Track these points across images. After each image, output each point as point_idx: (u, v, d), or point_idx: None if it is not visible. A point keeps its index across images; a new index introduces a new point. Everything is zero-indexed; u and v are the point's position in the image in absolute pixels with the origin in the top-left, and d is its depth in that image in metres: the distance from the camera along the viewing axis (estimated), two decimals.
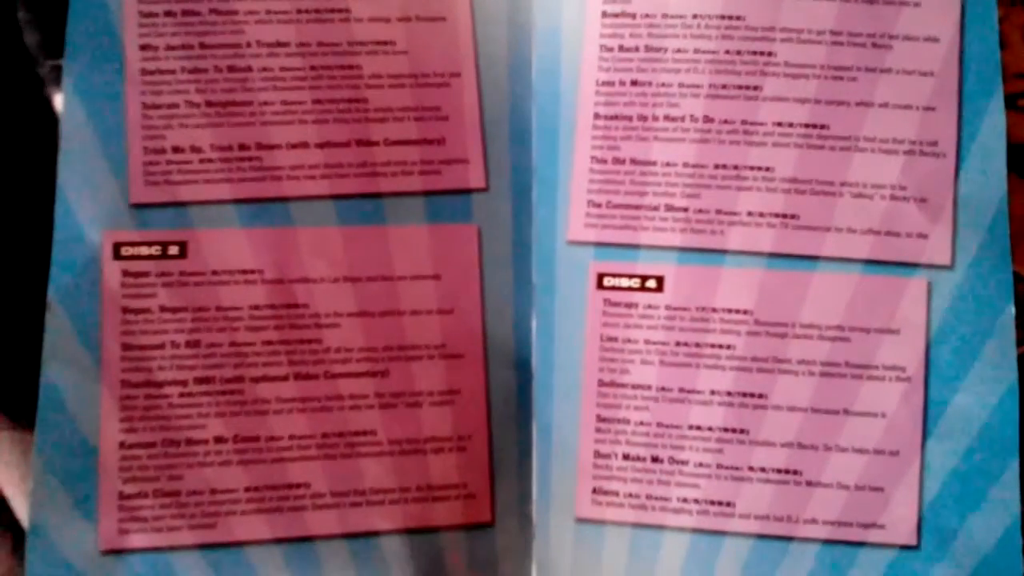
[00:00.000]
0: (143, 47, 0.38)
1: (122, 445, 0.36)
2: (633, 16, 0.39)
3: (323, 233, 0.37)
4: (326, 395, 0.37)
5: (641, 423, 0.37)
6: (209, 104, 0.38)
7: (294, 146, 0.38)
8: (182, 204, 0.37)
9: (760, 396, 0.37)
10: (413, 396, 0.37)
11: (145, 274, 0.37)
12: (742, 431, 0.37)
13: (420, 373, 0.37)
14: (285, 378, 0.37)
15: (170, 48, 0.38)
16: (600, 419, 0.37)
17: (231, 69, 0.38)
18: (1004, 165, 0.37)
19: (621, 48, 0.39)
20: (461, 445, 0.37)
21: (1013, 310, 0.36)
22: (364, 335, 0.37)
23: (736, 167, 0.38)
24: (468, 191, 0.38)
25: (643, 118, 0.38)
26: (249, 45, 0.38)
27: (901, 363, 0.37)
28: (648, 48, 0.39)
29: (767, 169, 0.38)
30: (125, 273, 0.37)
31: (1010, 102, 0.41)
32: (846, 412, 0.37)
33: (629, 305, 0.38)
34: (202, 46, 0.38)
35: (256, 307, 0.37)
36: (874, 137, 0.38)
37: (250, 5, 0.38)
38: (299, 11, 0.38)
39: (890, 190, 0.37)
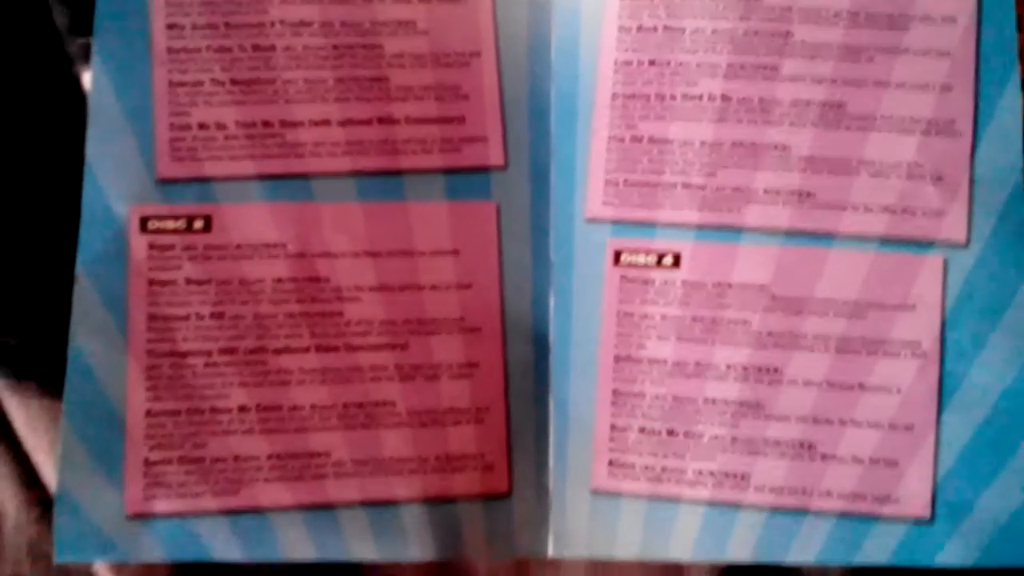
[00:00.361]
0: (170, 26, 0.38)
1: (148, 413, 0.36)
2: None
3: (345, 209, 0.37)
4: (347, 366, 0.37)
5: (657, 397, 0.37)
6: (234, 82, 0.38)
7: (316, 123, 0.38)
8: (207, 179, 0.37)
9: (775, 371, 0.37)
10: (432, 368, 0.37)
11: (171, 247, 0.37)
12: (757, 405, 0.37)
13: (439, 346, 0.37)
14: (307, 350, 0.37)
15: (196, 27, 0.38)
16: (616, 393, 0.37)
17: (255, 48, 0.38)
18: (1020, 144, 0.37)
19: (639, 28, 0.39)
20: (479, 417, 0.37)
21: None
22: (384, 309, 0.37)
23: (753, 145, 0.38)
24: (487, 169, 0.38)
25: (661, 97, 0.38)
26: (273, 24, 0.38)
27: (916, 339, 0.37)
28: (666, 28, 0.39)
29: (784, 148, 0.38)
30: (151, 246, 0.37)
31: None
32: (861, 387, 0.37)
33: (646, 281, 0.38)
34: (227, 25, 0.38)
35: (279, 280, 0.37)
36: (891, 116, 0.37)
37: None
38: None
39: (906, 168, 0.37)
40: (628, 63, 0.39)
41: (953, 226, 0.37)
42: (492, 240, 0.38)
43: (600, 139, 0.38)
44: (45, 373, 0.37)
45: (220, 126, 0.38)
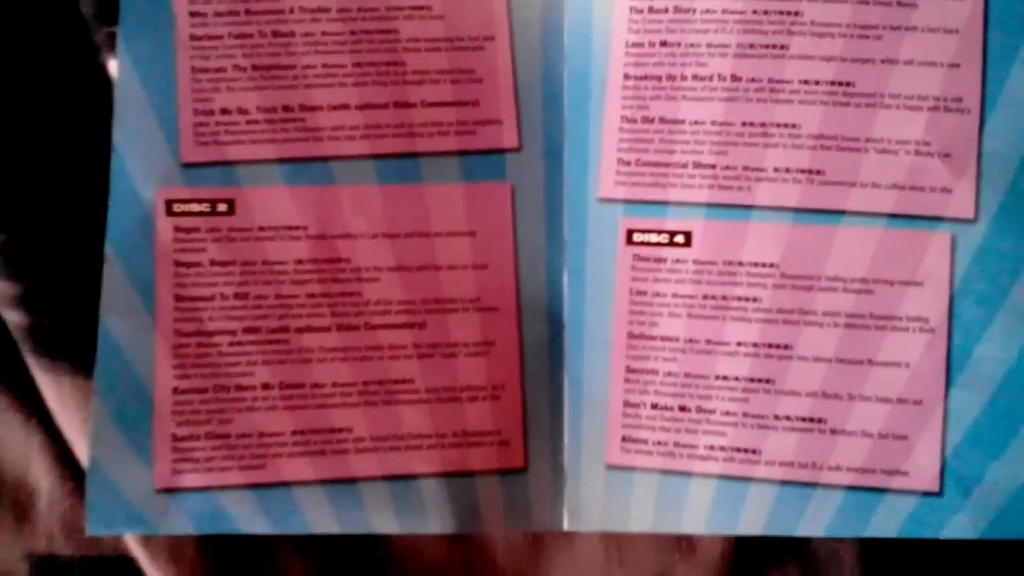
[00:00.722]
0: (192, 14, 0.38)
1: (175, 391, 0.37)
2: None
3: (363, 191, 0.38)
4: (367, 345, 0.37)
5: (669, 374, 0.38)
6: (255, 68, 0.38)
7: (335, 108, 0.38)
8: (230, 163, 0.38)
9: (786, 347, 0.37)
10: (449, 347, 0.38)
11: (196, 229, 0.38)
12: (768, 381, 0.37)
13: (456, 325, 0.38)
14: (328, 329, 0.37)
15: (218, 14, 0.39)
16: (629, 370, 0.38)
17: (275, 34, 0.38)
18: None
19: (650, 9, 0.39)
20: (495, 394, 0.38)
21: None
22: (402, 289, 0.38)
23: (763, 124, 0.38)
24: (502, 151, 0.38)
25: (672, 78, 0.38)
26: (292, 11, 0.39)
27: (925, 314, 0.37)
28: (677, 9, 0.39)
29: (793, 126, 0.38)
30: (177, 229, 0.38)
31: None
32: (870, 362, 0.37)
33: (658, 260, 0.38)
34: (248, 12, 0.39)
35: (300, 261, 0.38)
36: (899, 94, 0.37)
37: None
38: None
39: (915, 146, 0.37)
40: (639, 44, 0.39)
41: (961, 202, 0.37)
42: (507, 221, 0.38)
43: (612, 120, 0.39)
44: (77, 352, 0.38)
45: (242, 111, 0.38)
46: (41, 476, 0.38)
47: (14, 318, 0.38)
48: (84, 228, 0.38)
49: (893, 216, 0.37)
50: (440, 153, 0.38)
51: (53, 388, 0.38)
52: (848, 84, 0.37)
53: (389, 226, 0.38)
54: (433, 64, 0.38)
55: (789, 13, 0.38)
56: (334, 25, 0.38)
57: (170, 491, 0.37)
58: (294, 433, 0.37)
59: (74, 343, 0.38)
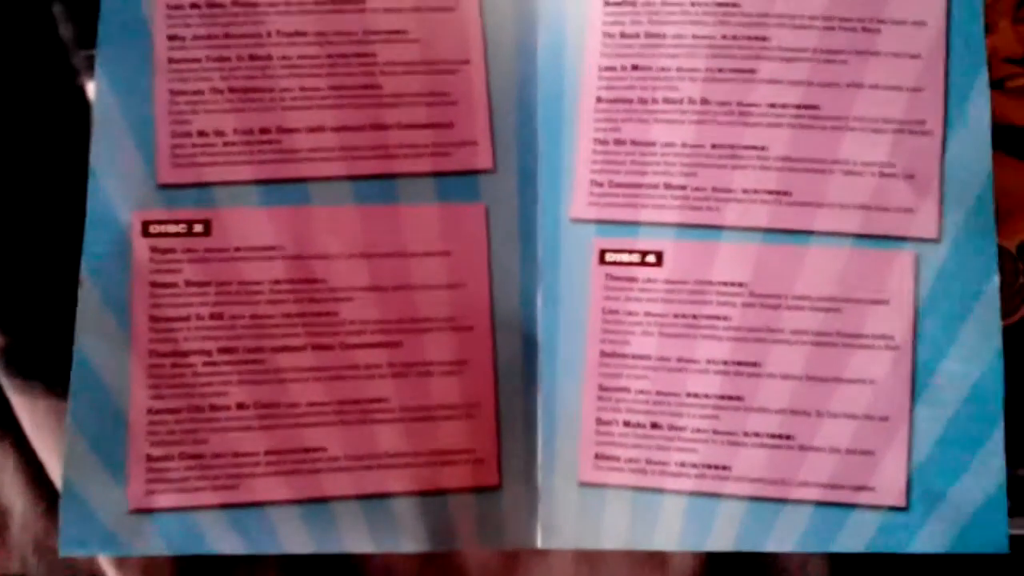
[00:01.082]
0: (171, 37, 0.39)
1: (150, 411, 0.37)
2: (634, 3, 0.39)
3: (339, 212, 0.38)
4: (342, 365, 0.37)
5: (641, 391, 0.38)
6: (232, 90, 0.38)
7: (312, 130, 0.38)
8: (207, 184, 0.38)
9: (755, 364, 0.37)
10: (424, 366, 0.38)
11: (172, 250, 0.37)
12: (738, 398, 0.37)
13: (431, 344, 0.38)
14: (303, 348, 0.37)
15: (196, 38, 0.39)
16: (602, 388, 0.38)
17: (252, 57, 0.38)
18: (989, 143, 0.37)
19: (622, 35, 0.39)
20: (470, 412, 0.38)
21: (998, 281, 0.36)
22: (378, 308, 0.38)
23: (732, 147, 0.38)
24: (476, 172, 0.39)
25: (643, 101, 0.39)
26: (270, 35, 0.39)
27: (890, 332, 0.37)
28: (648, 34, 0.39)
29: (761, 148, 0.38)
30: (153, 249, 0.37)
31: (998, 84, 0.41)
32: (837, 379, 0.37)
33: (630, 279, 0.38)
34: (226, 36, 0.39)
35: (276, 282, 0.37)
36: (864, 117, 0.38)
37: None
38: (317, 2, 0.39)
39: (879, 167, 0.38)
40: (611, 68, 0.39)
41: (924, 223, 0.37)
42: (482, 241, 0.38)
43: (585, 142, 0.39)
44: (51, 373, 0.38)
45: (219, 133, 0.38)
46: (15, 497, 0.38)
47: None
48: (59, 249, 0.38)
49: (859, 236, 0.37)
50: (416, 174, 0.38)
51: (27, 409, 0.38)
52: (814, 107, 0.38)
53: (365, 246, 0.38)
54: (409, 87, 0.39)
55: (757, 39, 0.38)
56: (311, 49, 0.39)
57: (144, 511, 0.36)
58: (268, 453, 0.37)
59: (48, 364, 0.38)
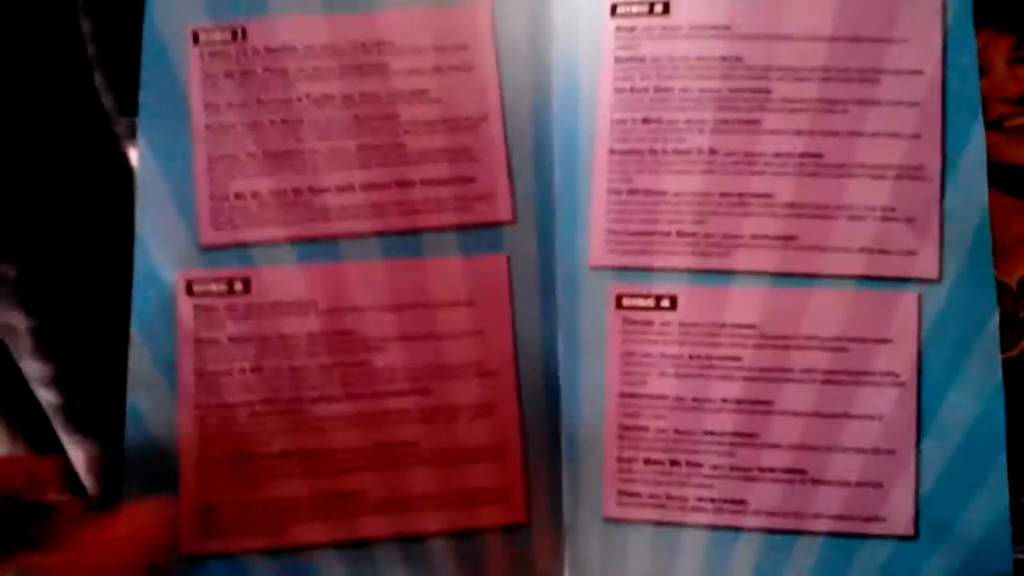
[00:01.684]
0: (207, 105, 0.40)
1: (199, 461, 0.38)
2: (643, 60, 0.41)
3: (369, 267, 0.40)
4: (375, 411, 0.39)
5: (660, 430, 0.39)
6: (265, 154, 0.40)
7: (341, 189, 0.40)
8: (245, 244, 0.40)
9: (767, 403, 0.39)
10: (452, 410, 0.39)
11: (215, 308, 0.39)
12: (752, 435, 0.39)
13: (458, 389, 0.39)
14: (339, 398, 0.39)
15: (230, 105, 0.40)
16: (622, 427, 0.39)
17: (284, 122, 0.40)
18: (985, 186, 0.38)
19: (633, 89, 0.41)
20: (497, 453, 0.39)
21: (997, 318, 0.38)
22: (407, 357, 0.39)
23: (740, 195, 0.39)
24: (497, 224, 0.40)
25: (654, 152, 0.40)
26: (299, 100, 0.40)
27: (895, 370, 0.38)
28: (657, 89, 0.40)
29: (768, 196, 0.39)
30: (197, 308, 0.39)
31: (995, 124, 0.42)
32: (846, 415, 0.38)
33: (646, 323, 0.40)
34: (258, 102, 0.40)
35: (311, 335, 0.39)
36: (865, 164, 0.39)
37: (299, 64, 0.40)
38: (343, 67, 0.40)
39: (881, 212, 0.39)
40: (623, 121, 0.40)
41: (926, 264, 0.38)
42: (504, 290, 0.40)
43: (600, 193, 0.40)
44: (106, 429, 0.39)
45: (255, 195, 0.40)
46: None
47: (48, 397, 0.39)
48: (109, 310, 0.39)
49: (863, 278, 0.39)
50: (439, 228, 0.40)
51: (84, 462, 0.39)
52: (818, 155, 0.39)
53: (393, 298, 0.39)
54: (431, 144, 0.40)
55: (761, 91, 0.40)
56: (338, 111, 0.40)
57: (195, 556, 0.38)
58: (311, 498, 0.38)
59: (103, 419, 0.39)
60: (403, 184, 0.40)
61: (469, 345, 0.39)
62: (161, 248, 0.39)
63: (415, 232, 0.40)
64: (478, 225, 0.40)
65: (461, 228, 0.40)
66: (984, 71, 0.40)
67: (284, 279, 0.39)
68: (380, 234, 0.39)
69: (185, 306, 0.39)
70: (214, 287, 0.39)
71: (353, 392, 0.39)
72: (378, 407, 0.39)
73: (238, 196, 0.39)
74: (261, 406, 0.38)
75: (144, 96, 0.40)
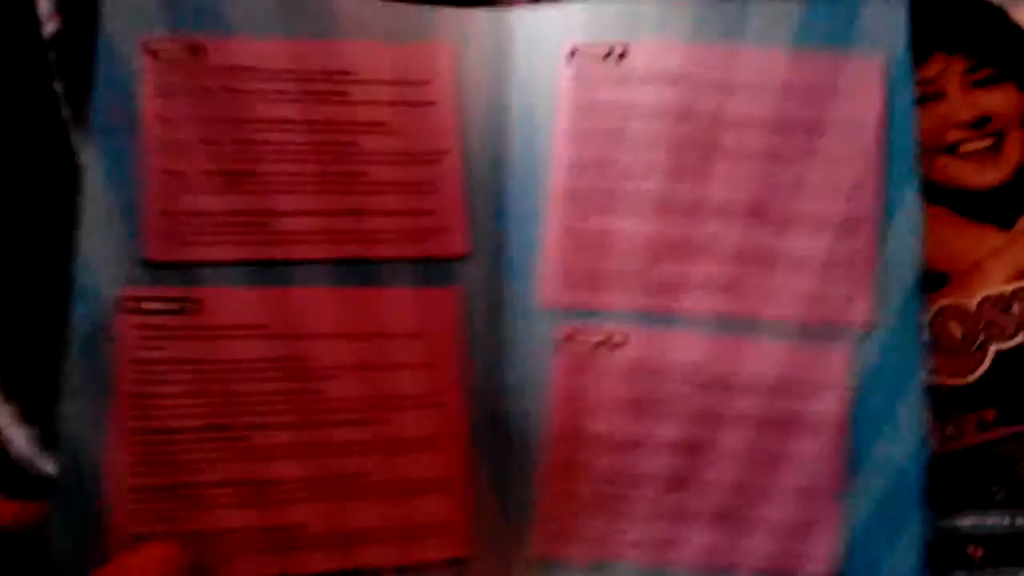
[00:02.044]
0: (161, 119, 0.39)
1: (133, 489, 0.37)
2: (599, 103, 0.41)
3: (321, 293, 0.39)
4: (322, 441, 0.38)
5: (599, 469, 0.40)
6: (220, 173, 0.39)
7: (296, 213, 0.39)
8: (193, 263, 0.39)
9: (705, 445, 0.40)
10: (400, 443, 0.39)
11: (158, 327, 0.38)
12: (687, 476, 0.39)
13: (406, 421, 0.39)
14: (285, 426, 0.38)
15: (185, 121, 0.39)
16: (563, 464, 0.40)
17: (241, 142, 0.39)
18: (919, 239, 0.39)
19: (588, 131, 0.41)
20: (443, 487, 0.39)
21: (925, 372, 0.39)
22: (357, 386, 0.39)
23: (688, 239, 0.40)
24: (452, 258, 0.40)
25: (607, 194, 0.41)
26: (258, 121, 0.40)
27: (828, 415, 0.39)
28: (612, 132, 0.41)
29: (715, 241, 0.40)
30: (139, 326, 0.38)
31: (951, 149, 0.42)
32: (778, 459, 0.39)
33: (592, 362, 0.40)
34: (215, 120, 0.39)
35: (259, 360, 0.38)
36: (807, 213, 0.40)
37: (259, 85, 0.40)
38: (303, 92, 0.40)
39: (820, 261, 0.40)
40: (578, 162, 0.41)
41: (860, 314, 0.40)
42: (456, 323, 0.40)
43: (552, 232, 0.41)
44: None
45: (207, 214, 0.39)
46: None
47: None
48: (46, 323, 0.38)
49: (802, 325, 0.40)
50: (394, 259, 0.40)
51: None
52: (763, 204, 0.40)
53: (344, 327, 0.39)
54: (390, 176, 0.40)
55: (711, 139, 0.41)
56: (297, 136, 0.40)
57: None
58: (252, 529, 0.38)
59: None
60: (359, 213, 0.39)
61: (419, 377, 0.39)
62: (104, 263, 0.38)
63: (370, 261, 0.39)
64: (433, 258, 0.40)
65: (416, 260, 0.40)
66: (938, 97, 0.41)
67: (233, 301, 0.38)
68: (334, 261, 0.39)
69: (126, 323, 0.38)
70: (158, 305, 0.38)
71: (300, 420, 0.38)
72: (324, 437, 0.38)
73: (189, 213, 0.39)
74: (202, 432, 0.38)
75: (96, 105, 0.39)
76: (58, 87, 0.40)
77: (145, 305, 0.38)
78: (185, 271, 0.38)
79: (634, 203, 0.40)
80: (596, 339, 0.40)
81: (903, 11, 0.40)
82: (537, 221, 0.40)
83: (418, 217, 0.40)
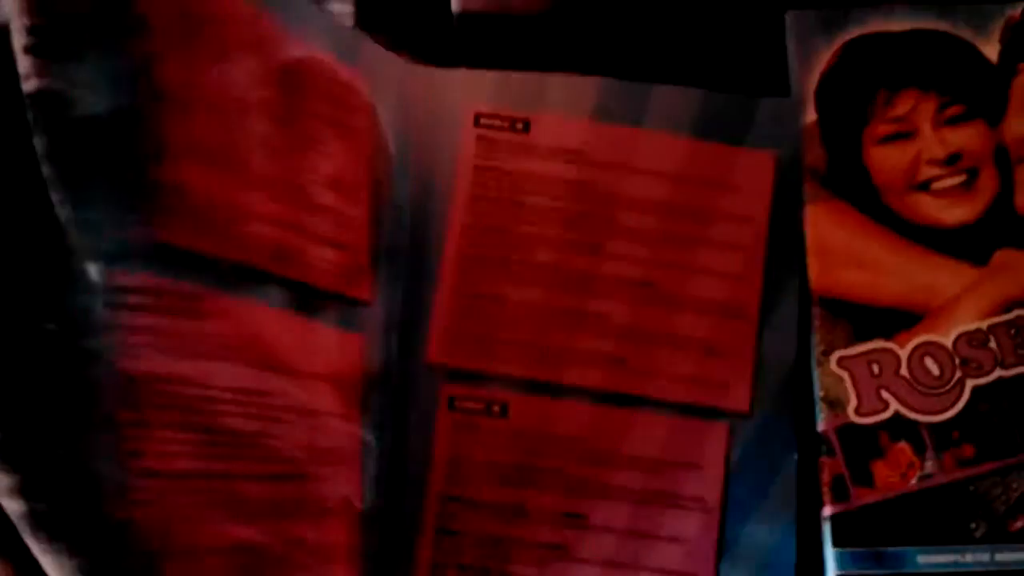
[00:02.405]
0: None
1: None
2: (499, 171, 0.41)
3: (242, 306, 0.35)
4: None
5: (476, 536, 0.39)
6: None
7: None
8: None
9: (583, 517, 0.39)
10: (316, 503, 0.36)
11: None
12: (565, 547, 0.39)
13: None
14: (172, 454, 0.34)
15: None
16: (440, 531, 0.39)
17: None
18: (795, 332, 0.41)
19: (487, 198, 0.41)
20: (331, 555, 0.37)
21: (796, 455, 0.40)
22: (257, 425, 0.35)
23: (578, 311, 0.41)
24: (357, 302, 0.39)
25: (501, 261, 0.41)
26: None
27: (702, 495, 0.40)
28: (510, 201, 0.41)
29: (604, 316, 0.41)
30: None
31: (924, 186, 0.40)
32: (654, 536, 0.39)
33: (475, 427, 0.40)
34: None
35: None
36: (693, 297, 0.41)
37: None
38: None
39: (703, 345, 0.41)
40: (474, 228, 0.41)
41: (738, 397, 0.41)
42: (357, 370, 0.38)
43: (444, 292, 0.40)
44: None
45: None
46: None
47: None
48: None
49: (682, 405, 0.40)
50: (322, 289, 0.37)
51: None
52: (652, 284, 0.41)
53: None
54: (329, 200, 0.38)
55: (606, 216, 0.41)
56: None
57: None
58: None
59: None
60: (302, 231, 0.37)
61: (312, 422, 0.37)
62: None
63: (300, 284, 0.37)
64: (344, 297, 0.38)
65: (336, 295, 0.38)
66: (910, 134, 0.40)
67: None
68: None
69: None
70: None
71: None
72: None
73: None
74: None
75: None
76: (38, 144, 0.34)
77: None
78: None
79: (526, 272, 0.40)
80: (481, 403, 0.39)
81: (799, 111, 0.41)
82: (430, 281, 0.40)
83: (340, 250, 0.38)
